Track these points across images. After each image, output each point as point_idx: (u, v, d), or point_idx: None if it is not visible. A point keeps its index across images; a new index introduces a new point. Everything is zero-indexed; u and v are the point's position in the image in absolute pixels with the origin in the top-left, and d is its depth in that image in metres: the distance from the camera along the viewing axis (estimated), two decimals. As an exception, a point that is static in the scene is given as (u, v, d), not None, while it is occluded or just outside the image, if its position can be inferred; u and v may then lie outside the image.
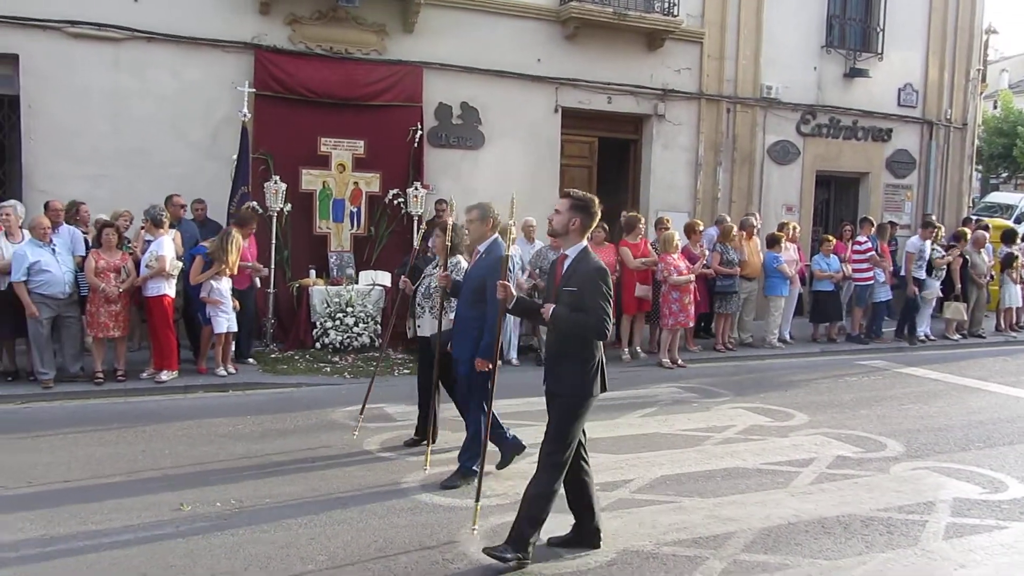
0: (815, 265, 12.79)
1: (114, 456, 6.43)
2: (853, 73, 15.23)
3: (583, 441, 4.79)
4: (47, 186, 10.07)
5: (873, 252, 12.93)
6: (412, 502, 5.57)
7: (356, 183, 11.52)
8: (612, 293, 4.58)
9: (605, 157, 14.14)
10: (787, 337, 12.65)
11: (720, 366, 11.12)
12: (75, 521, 5.10)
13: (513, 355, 10.60)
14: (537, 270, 10.42)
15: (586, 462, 4.84)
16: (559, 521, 4.86)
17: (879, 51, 15.48)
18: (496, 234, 6.08)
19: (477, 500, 4.93)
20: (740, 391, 9.41)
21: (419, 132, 11.82)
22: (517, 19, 12.63)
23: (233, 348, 9.51)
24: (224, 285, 9.07)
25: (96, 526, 5.04)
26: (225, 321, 9.07)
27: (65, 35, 10.27)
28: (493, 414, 5.86)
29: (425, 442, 6.51)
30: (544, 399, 4.77)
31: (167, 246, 8.76)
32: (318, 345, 10.43)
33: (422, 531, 5.08)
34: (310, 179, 11.27)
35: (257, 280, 10.05)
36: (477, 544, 4.85)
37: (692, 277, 10.76)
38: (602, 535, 4.86)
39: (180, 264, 8.98)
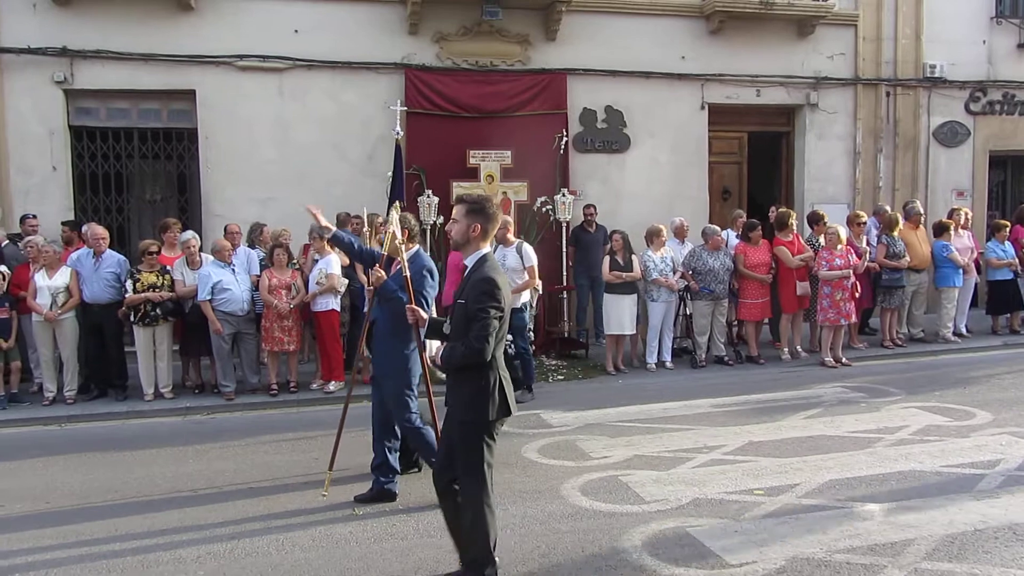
0: (988, 253, 11.93)
1: (290, 463, 6.83)
2: (1029, 43, 14.14)
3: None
4: (223, 211, 10.86)
5: (1053, 235, 11.94)
6: (573, 508, 5.59)
7: (505, 193, 11.71)
8: (500, 304, 4.07)
9: (755, 152, 13.76)
10: (963, 331, 11.83)
11: (889, 363, 10.55)
12: (259, 523, 5.45)
13: (667, 358, 10.47)
14: (691, 271, 10.26)
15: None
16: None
17: (1058, 16, 14.30)
18: (417, 245, 5.89)
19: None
20: (912, 389, 8.89)
21: (564, 139, 11.91)
22: (659, 18, 12.51)
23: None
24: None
25: (278, 528, 5.38)
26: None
27: (234, 69, 11.06)
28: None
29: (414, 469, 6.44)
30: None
31: (335, 264, 9.21)
32: (473, 354, 10.64)
33: (584, 537, 5.08)
34: (461, 191, 11.51)
35: None
36: (639, 551, 4.84)
37: (847, 272, 10.21)
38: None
39: (347, 281, 9.43)
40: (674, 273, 10.22)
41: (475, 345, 4.03)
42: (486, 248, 4.28)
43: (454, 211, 4.31)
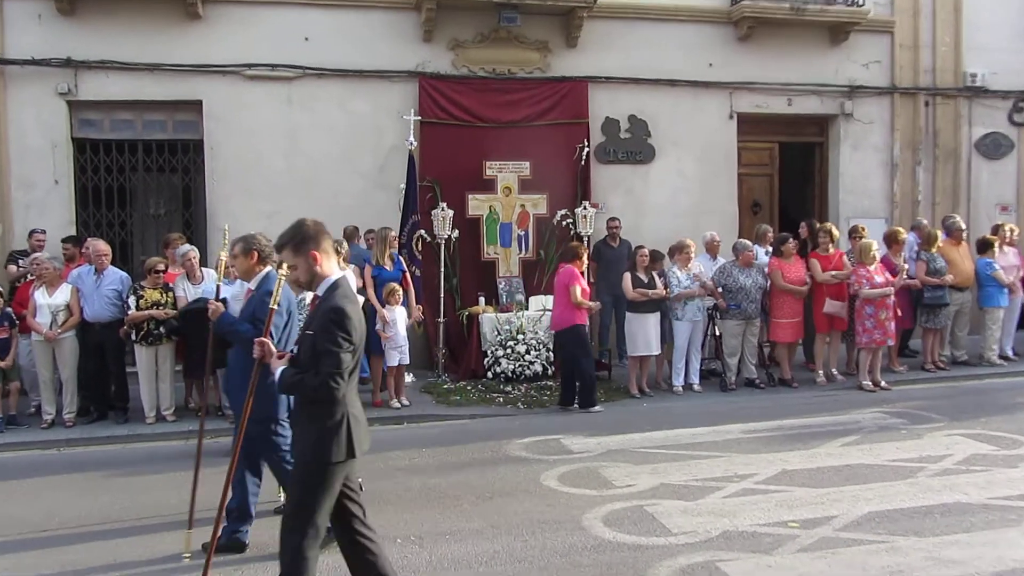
0: (1034, 271, 11.35)
1: (293, 488, 6.46)
2: (1075, 50, 13.58)
3: (358, 514, 3.98)
4: (228, 224, 10.48)
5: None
6: (594, 540, 5.31)
7: (523, 206, 11.39)
8: (351, 336, 3.74)
9: (787, 163, 13.36)
10: (1009, 353, 11.25)
11: (931, 388, 10.04)
12: (262, 548, 5.21)
13: (695, 380, 9.99)
14: (720, 288, 9.78)
15: (366, 537, 3.97)
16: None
17: (1106, 22, 13.72)
18: (269, 267, 5.42)
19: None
20: (956, 415, 8.41)
21: (586, 149, 11.58)
22: (685, 24, 12.16)
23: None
24: (399, 316, 9.08)
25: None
26: (397, 354, 9.08)
27: (242, 78, 10.80)
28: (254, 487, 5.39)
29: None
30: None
31: (351, 280, 8.81)
32: (490, 375, 10.24)
33: (607, 571, 4.81)
34: (476, 204, 11.22)
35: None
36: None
37: (890, 290, 9.71)
38: None
39: (361, 298, 9.03)
40: (695, 285, 9.76)
41: (328, 382, 3.68)
42: (336, 273, 3.95)
43: (284, 260, 3.98)
